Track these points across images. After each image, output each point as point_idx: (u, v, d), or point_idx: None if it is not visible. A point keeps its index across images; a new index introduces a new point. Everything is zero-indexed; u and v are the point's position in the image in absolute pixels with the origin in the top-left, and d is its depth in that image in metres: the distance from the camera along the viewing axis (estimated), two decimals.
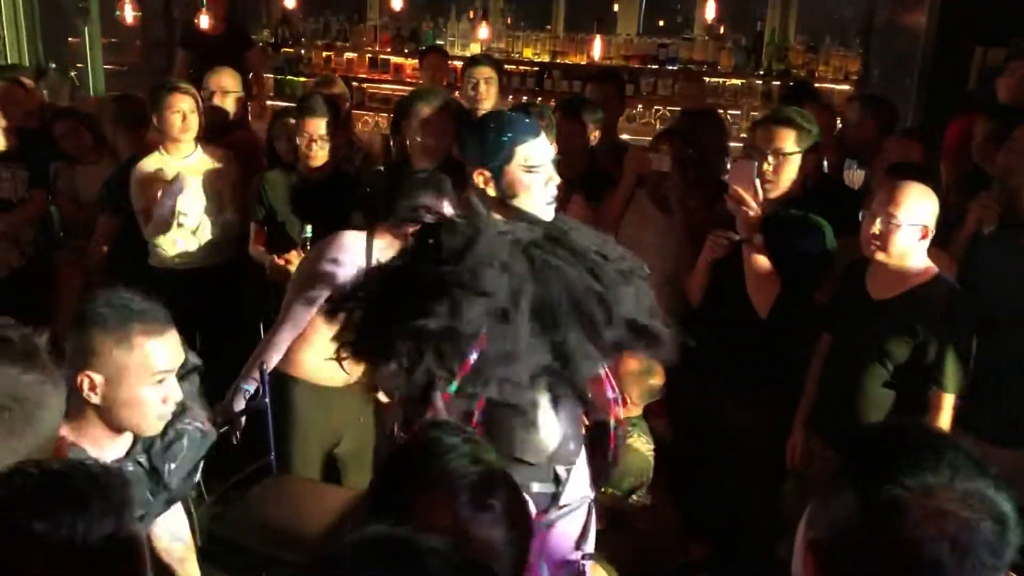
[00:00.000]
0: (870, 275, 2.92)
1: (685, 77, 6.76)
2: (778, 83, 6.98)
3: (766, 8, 7.30)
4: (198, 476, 2.30)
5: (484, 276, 2.01)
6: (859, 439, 1.16)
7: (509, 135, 2.28)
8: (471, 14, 7.54)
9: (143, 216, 4.21)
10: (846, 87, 6.88)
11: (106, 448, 2.00)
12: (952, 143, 4.23)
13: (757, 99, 7.13)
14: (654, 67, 7.31)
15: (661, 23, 8.50)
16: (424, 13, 8.12)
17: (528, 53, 7.62)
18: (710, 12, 6.13)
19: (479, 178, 2.30)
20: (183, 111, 4.17)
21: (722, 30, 7.38)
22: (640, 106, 7.31)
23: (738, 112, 7.15)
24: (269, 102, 8.04)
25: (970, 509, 1.03)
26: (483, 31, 7.03)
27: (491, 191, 2.29)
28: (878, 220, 2.77)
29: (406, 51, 7.80)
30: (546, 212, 2.29)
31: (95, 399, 1.92)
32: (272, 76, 8.21)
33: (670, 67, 7.27)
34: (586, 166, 3.92)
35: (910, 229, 2.73)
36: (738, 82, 7.21)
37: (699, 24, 7.41)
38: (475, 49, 7.32)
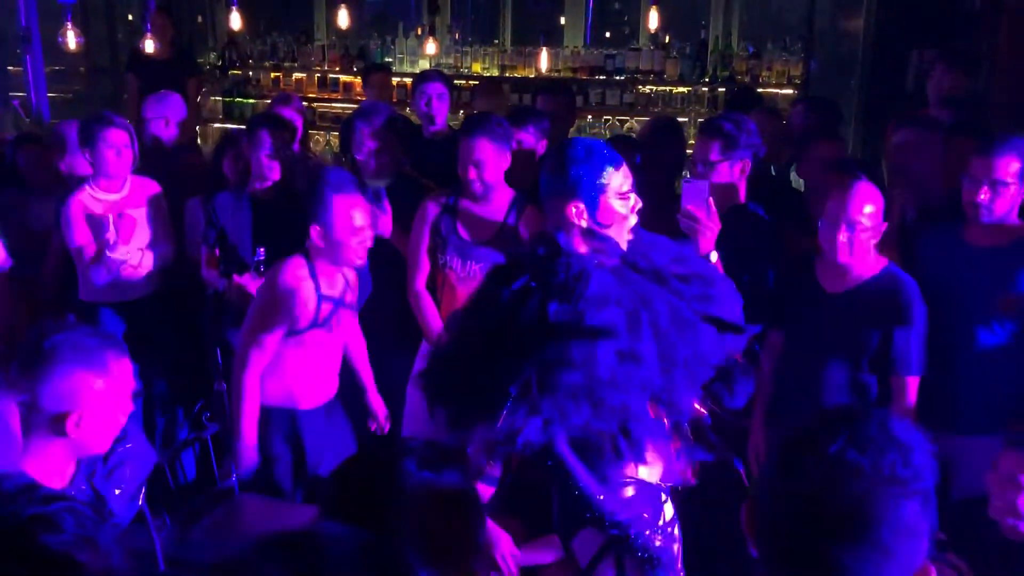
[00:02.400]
0: (821, 269, 2.98)
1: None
2: (724, 90, 7.09)
3: (709, 16, 7.43)
4: (141, 500, 2.28)
5: (605, 315, 2.05)
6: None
7: (600, 165, 2.25)
8: (419, 31, 7.57)
9: (78, 252, 4.15)
10: (790, 91, 7.01)
11: (53, 477, 1.98)
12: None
13: (704, 106, 7.23)
14: (602, 78, 7.40)
15: (608, 34, 8.60)
16: (371, 31, 8.14)
17: (477, 68, 7.66)
18: (652, 21, 6.21)
19: (572, 211, 2.25)
20: (117, 146, 4.10)
21: (668, 39, 7.48)
22: (590, 117, 7.39)
23: (686, 120, 7.25)
24: (218, 124, 8.02)
25: (875, 472, 1.09)
26: (430, 47, 7.06)
27: (583, 223, 2.25)
28: (843, 227, 2.85)
29: (355, 69, 7.80)
30: (624, 241, 2.30)
31: (74, 433, 1.91)
32: (221, 99, 8.17)
33: (618, 77, 7.36)
34: (536, 175, 3.94)
35: (874, 231, 2.82)
36: (685, 90, 7.31)
37: (644, 34, 7.51)
38: (424, 65, 7.34)
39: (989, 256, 2.90)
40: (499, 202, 3.58)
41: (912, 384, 2.90)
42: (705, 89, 7.23)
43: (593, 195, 2.23)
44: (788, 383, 3.08)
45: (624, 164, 2.28)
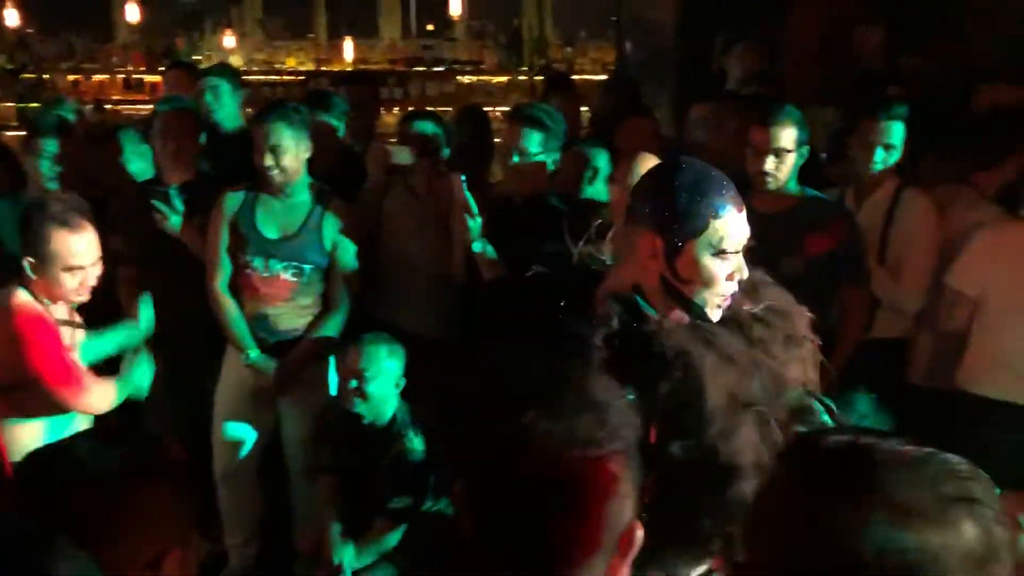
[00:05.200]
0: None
1: None
2: (541, 78, 7.16)
3: (523, 5, 7.49)
4: None
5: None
6: None
7: (709, 202, 1.67)
8: (224, 28, 7.28)
9: None
10: (604, 78, 7.15)
11: None
12: None
13: (523, 95, 7.28)
14: (421, 69, 7.33)
15: (430, 27, 8.54)
16: (176, 28, 7.76)
17: (291, 63, 7.44)
18: (455, 8, 6.20)
19: (648, 247, 1.70)
20: None
21: (488, 29, 7.51)
22: (411, 108, 7.30)
23: (507, 108, 7.28)
24: (12, 132, 7.44)
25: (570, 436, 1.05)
26: (228, 40, 6.78)
27: (656, 267, 1.71)
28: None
29: (161, 69, 7.41)
30: (716, 311, 1.72)
31: None
32: (13, 104, 7.59)
33: (437, 68, 7.32)
34: (337, 164, 3.83)
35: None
36: (504, 79, 7.35)
37: (461, 25, 7.50)
38: (235, 63, 7.06)
39: (772, 221, 3.00)
40: (301, 195, 3.44)
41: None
42: (523, 78, 7.28)
43: (683, 235, 1.67)
44: None
45: (743, 213, 1.72)
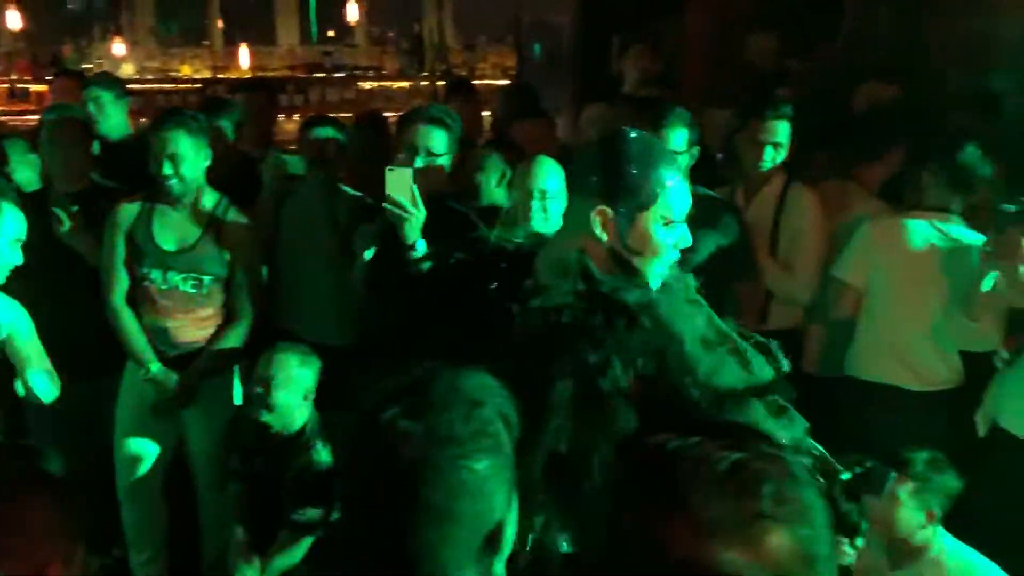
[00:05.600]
0: None
1: None
2: (443, 83, 7.19)
3: (422, 11, 7.51)
4: None
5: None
6: None
7: (657, 173, 1.71)
8: (111, 35, 7.08)
9: None
10: (506, 82, 7.22)
11: None
12: None
13: (425, 100, 7.30)
14: (321, 75, 7.27)
15: (331, 33, 8.47)
16: (63, 35, 7.51)
17: (187, 70, 7.29)
18: (353, 15, 6.18)
19: (597, 218, 1.72)
20: None
21: (392, 35, 7.50)
22: (311, 115, 7.22)
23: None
24: None
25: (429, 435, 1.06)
26: (118, 47, 6.61)
27: (606, 237, 1.72)
28: (537, 196, 2.90)
29: (48, 78, 7.16)
30: (657, 279, 1.76)
31: None
32: None
33: (337, 75, 7.27)
34: (233, 172, 3.77)
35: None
36: (405, 85, 7.35)
37: (361, 31, 7.47)
38: (127, 71, 6.88)
39: None
40: (200, 204, 3.37)
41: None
42: (425, 83, 7.30)
43: (632, 207, 1.70)
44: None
45: (686, 184, 1.77)
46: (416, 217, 2.91)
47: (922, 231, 3.15)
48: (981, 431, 3.02)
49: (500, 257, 1.92)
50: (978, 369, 3.14)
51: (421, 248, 2.99)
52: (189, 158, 3.22)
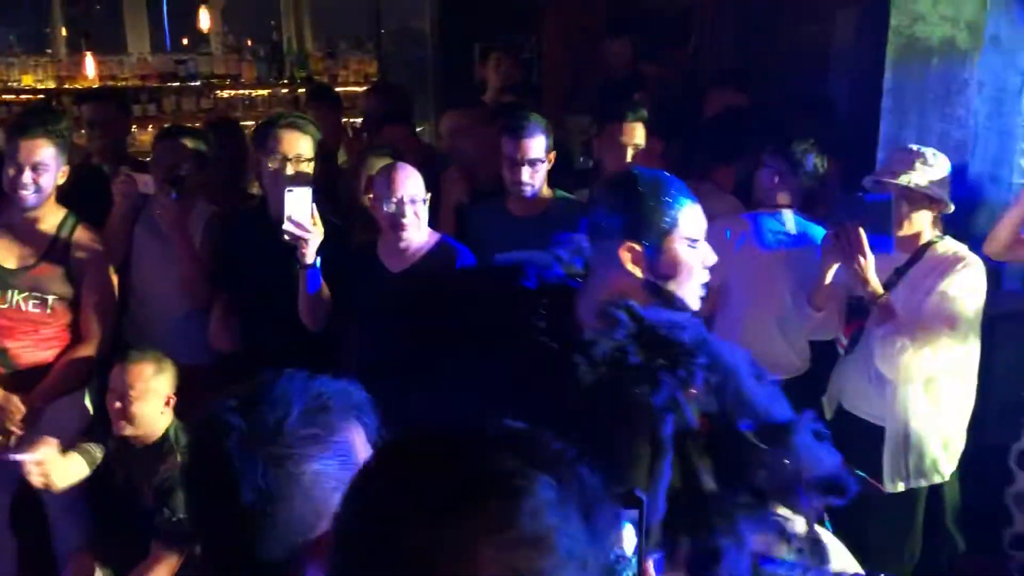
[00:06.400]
0: (383, 250, 3.02)
1: None
2: (304, 91, 7.07)
3: (279, 18, 7.37)
4: None
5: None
6: None
7: (671, 200, 1.78)
8: None
9: None
10: (368, 88, 7.16)
11: None
12: None
13: (286, 108, 7.15)
14: (175, 84, 7.03)
15: (185, 41, 8.20)
16: None
17: (28, 80, 6.90)
18: (205, 22, 6.02)
19: (626, 255, 1.78)
20: None
21: (249, 42, 7.33)
22: (166, 125, 6.97)
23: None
24: None
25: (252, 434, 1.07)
26: None
27: (638, 272, 1.78)
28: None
29: None
30: (696, 300, 1.83)
31: None
32: None
33: (192, 83, 7.04)
34: (82, 185, 3.59)
35: (422, 206, 2.93)
36: (265, 93, 7.19)
37: (216, 39, 7.27)
38: None
39: (526, 224, 3.15)
40: (46, 220, 3.20)
41: None
42: (285, 91, 7.16)
43: (656, 236, 1.77)
44: (373, 366, 3.10)
45: (699, 205, 1.84)
46: (316, 237, 2.88)
47: (768, 227, 3.30)
48: (828, 414, 3.19)
49: (543, 293, 1.90)
50: (822, 355, 3.32)
51: (318, 270, 2.96)
52: (51, 168, 3.07)
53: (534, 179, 3.16)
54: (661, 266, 1.78)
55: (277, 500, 1.03)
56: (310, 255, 2.89)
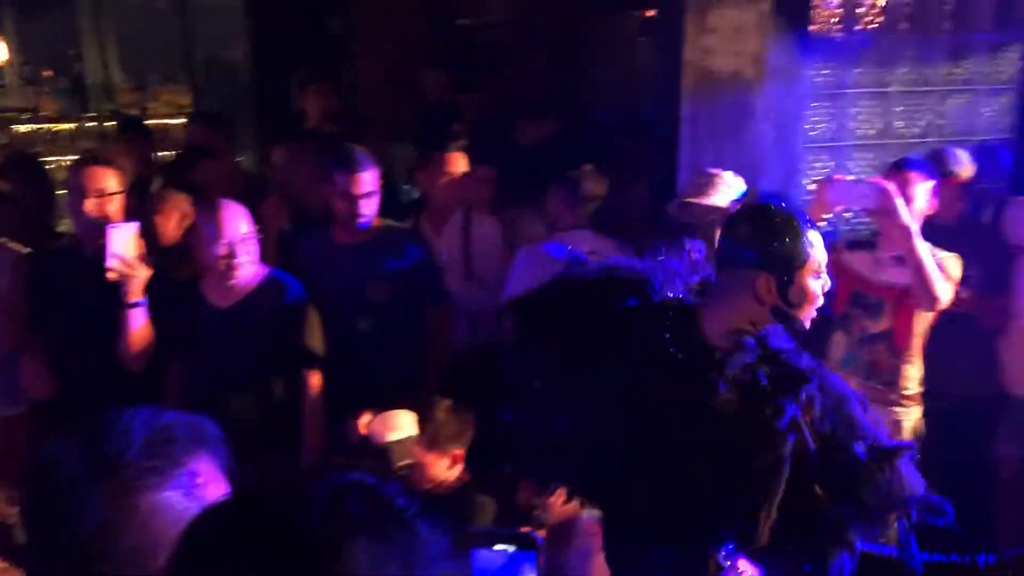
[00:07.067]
0: (208, 287, 2.98)
1: None
2: (112, 124, 6.80)
3: (80, 50, 7.05)
4: None
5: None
6: None
7: (805, 235, 1.91)
8: None
9: None
10: (182, 121, 6.97)
11: None
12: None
13: (93, 142, 6.85)
14: None
15: None
16: None
17: None
18: (2, 53, 5.70)
19: (761, 285, 1.89)
20: None
21: (49, 74, 6.96)
22: None
23: (77, 156, 6.79)
24: None
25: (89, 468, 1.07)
26: None
27: (769, 299, 1.90)
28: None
29: None
30: (808, 322, 1.96)
31: None
32: None
33: None
34: None
35: (252, 242, 2.92)
36: (70, 127, 6.85)
37: (11, 71, 6.87)
38: None
39: (353, 251, 3.18)
40: None
41: (314, 377, 3.06)
42: (92, 124, 6.85)
43: (792, 269, 1.90)
44: (200, 405, 3.03)
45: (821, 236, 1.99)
46: (141, 274, 2.81)
47: (562, 250, 3.44)
48: None
49: (666, 307, 2.00)
50: None
51: (143, 308, 2.87)
52: None
53: (368, 210, 3.20)
54: (791, 295, 1.91)
55: (116, 532, 1.02)
56: (135, 292, 2.83)
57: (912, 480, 1.88)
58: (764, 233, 1.92)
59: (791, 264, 1.90)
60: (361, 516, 0.79)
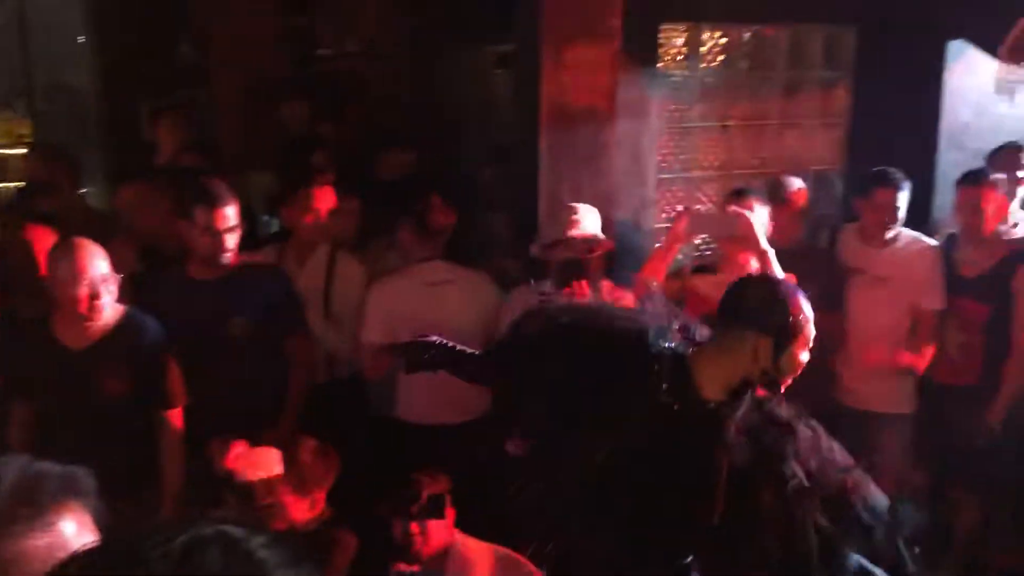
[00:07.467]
0: (60, 327, 2.87)
1: None
2: None
3: None
4: None
5: None
6: None
7: (804, 308, 2.09)
8: None
9: None
10: (22, 151, 6.60)
11: None
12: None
13: None
14: None
15: None
16: None
17: None
18: None
19: (761, 348, 2.05)
20: None
21: None
22: None
23: None
24: None
25: None
26: None
27: (763, 362, 2.06)
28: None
29: None
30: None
31: None
32: None
33: None
34: None
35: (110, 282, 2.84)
36: None
37: None
38: None
39: (212, 288, 3.13)
40: None
41: (174, 418, 3.00)
42: None
43: (788, 338, 2.06)
44: (48, 450, 2.90)
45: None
46: None
47: (414, 283, 3.44)
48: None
49: (661, 359, 2.09)
50: None
51: None
52: None
53: (232, 244, 3.14)
54: (782, 361, 2.07)
55: None
56: None
57: (909, 514, 2.04)
58: (768, 303, 2.09)
59: (789, 334, 2.07)
60: (217, 570, 0.78)
